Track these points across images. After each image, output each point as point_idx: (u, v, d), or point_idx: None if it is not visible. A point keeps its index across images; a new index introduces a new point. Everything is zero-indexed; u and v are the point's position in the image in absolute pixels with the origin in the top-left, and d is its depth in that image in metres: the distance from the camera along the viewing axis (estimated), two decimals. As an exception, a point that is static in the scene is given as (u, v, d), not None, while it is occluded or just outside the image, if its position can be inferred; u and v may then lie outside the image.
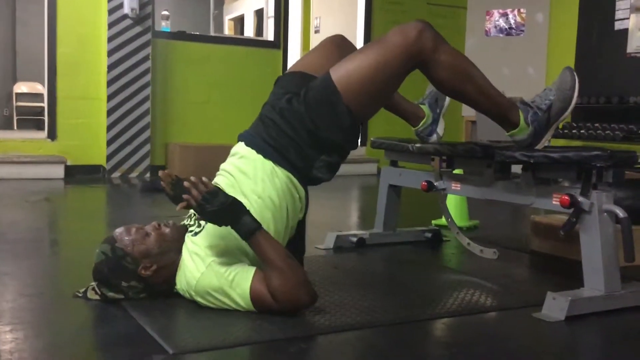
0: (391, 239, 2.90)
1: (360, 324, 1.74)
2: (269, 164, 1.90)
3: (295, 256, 1.83)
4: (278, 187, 1.88)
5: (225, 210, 1.70)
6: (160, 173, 2.04)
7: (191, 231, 1.86)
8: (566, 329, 1.78)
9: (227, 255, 1.79)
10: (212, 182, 1.95)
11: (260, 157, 1.91)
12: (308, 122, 1.89)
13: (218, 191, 1.72)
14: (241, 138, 2.01)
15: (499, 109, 2.02)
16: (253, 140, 1.96)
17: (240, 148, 1.98)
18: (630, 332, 1.83)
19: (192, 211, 1.93)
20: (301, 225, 2.03)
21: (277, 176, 1.89)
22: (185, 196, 1.72)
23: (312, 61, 2.15)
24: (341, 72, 1.89)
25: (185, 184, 1.71)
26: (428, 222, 3.33)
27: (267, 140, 1.93)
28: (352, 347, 1.64)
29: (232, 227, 1.73)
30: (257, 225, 1.73)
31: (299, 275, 1.74)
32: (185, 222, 1.93)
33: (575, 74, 2.03)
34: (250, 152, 1.93)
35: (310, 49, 7.84)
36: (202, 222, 1.84)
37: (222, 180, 1.93)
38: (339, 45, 2.17)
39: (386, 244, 2.86)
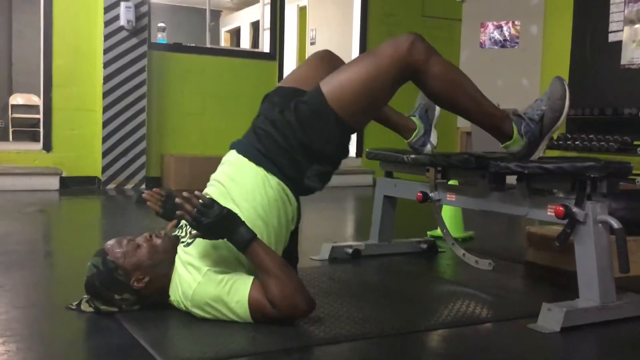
0: (386, 250, 2.90)
1: (355, 335, 1.73)
2: (261, 171, 1.89)
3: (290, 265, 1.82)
4: (270, 196, 1.87)
5: (221, 222, 1.69)
6: (144, 194, 2.03)
7: (183, 242, 1.85)
8: (561, 340, 1.78)
9: (222, 264, 1.78)
10: (203, 192, 1.95)
11: (252, 165, 1.90)
12: (300, 134, 1.88)
13: (213, 202, 1.71)
14: (233, 146, 2.01)
15: (492, 121, 2.02)
16: (245, 148, 1.95)
17: (231, 156, 1.98)
18: (625, 343, 1.83)
19: (183, 221, 1.92)
20: (294, 235, 2.02)
21: (269, 185, 1.88)
22: (178, 212, 1.71)
23: (302, 75, 2.16)
24: (332, 84, 1.89)
25: (178, 200, 1.70)
26: (423, 233, 3.33)
27: (259, 149, 1.92)
28: (346, 359, 1.63)
29: (228, 239, 1.73)
30: (253, 236, 1.73)
31: (296, 282, 1.74)
32: (177, 232, 1.93)
33: (565, 83, 2.04)
34: (242, 160, 1.93)
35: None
36: (194, 232, 1.84)
37: (213, 190, 1.92)
38: (328, 60, 2.18)
39: (381, 255, 2.86)
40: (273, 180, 1.89)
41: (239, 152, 1.96)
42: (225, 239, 1.73)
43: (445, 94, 1.96)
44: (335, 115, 1.87)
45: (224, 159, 2.01)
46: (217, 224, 1.69)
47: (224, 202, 1.80)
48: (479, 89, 2.01)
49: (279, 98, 2.05)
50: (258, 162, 1.90)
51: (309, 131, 1.88)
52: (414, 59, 1.87)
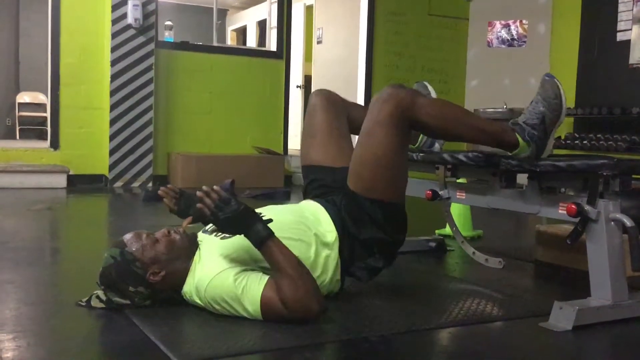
0: (395, 249, 2.88)
1: (365, 333, 1.72)
2: (332, 227, 1.95)
3: None
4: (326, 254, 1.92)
5: (238, 217, 1.71)
6: (160, 191, 2.04)
7: (218, 235, 1.87)
8: (573, 338, 1.77)
9: (247, 265, 1.79)
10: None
11: (332, 225, 1.95)
12: (351, 227, 1.95)
13: (230, 199, 1.73)
14: (317, 200, 2.07)
15: (495, 137, 2.03)
16: (327, 206, 2.01)
17: (313, 203, 2.06)
18: (638, 341, 1.82)
19: None
20: None
21: (332, 246, 1.93)
22: (199, 205, 1.73)
23: (326, 149, 2.18)
24: (358, 181, 1.95)
25: (199, 193, 1.73)
26: (431, 232, 3.32)
27: (337, 214, 1.98)
28: (357, 356, 1.63)
29: (244, 235, 1.74)
30: (269, 233, 1.73)
31: (310, 283, 1.74)
32: (209, 226, 1.95)
33: (556, 80, 2.02)
34: (323, 211, 1.99)
35: (313, 60, 7.86)
36: (213, 226, 1.85)
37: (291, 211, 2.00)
38: (333, 112, 2.20)
39: (390, 254, 2.84)
40: (335, 241, 1.94)
41: (323, 205, 2.02)
42: (242, 235, 1.74)
43: (443, 129, 1.99)
44: (372, 202, 1.92)
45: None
46: (234, 219, 1.71)
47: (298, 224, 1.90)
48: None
49: (327, 187, 2.12)
50: (332, 218, 1.97)
51: (357, 222, 1.95)
52: (403, 109, 1.88)
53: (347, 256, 1.96)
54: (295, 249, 1.81)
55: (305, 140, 2.24)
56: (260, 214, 1.83)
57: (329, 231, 1.95)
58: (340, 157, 2.14)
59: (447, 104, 2.01)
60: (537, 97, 2.03)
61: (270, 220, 1.80)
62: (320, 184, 2.16)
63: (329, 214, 1.99)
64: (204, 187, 1.75)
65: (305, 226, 1.93)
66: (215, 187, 1.76)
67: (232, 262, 1.78)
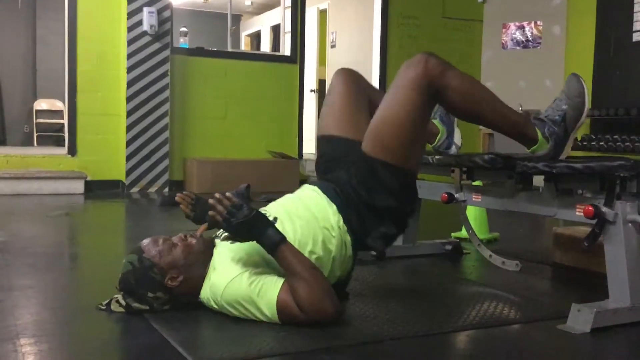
0: (411, 252, 2.89)
1: (383, 336, 1.73)
2: (334, 209, 1.92)
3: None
4: (335, 236, 1.90)
5: (250, 222, 1.72)
6: (177, 197, 2.06)
7: (229, 239, 1.87)
8: (592, 341, 1.76)
9: (261, 267, 1.81)
10: (272, 207, 1.99)
11: (334, 207, 1.92)
12: (363, 195, 1.92)
13: (242, 205, 1.74)
14: (314, 184, 2.04)
15: (516, 127, 2.02)
16: (326, 187, 1.98)
17: (312, 188, 2.02)
18: (657, 344, 1.80)
19: None
20: (343, 286, 2.05)
21: (337, 221, 1.91)
22: (211, 212, 1.74)
23: (341, 118, 2.14)
24: (372, 141, 1.91)
25: (210, 201, 1.74)
26: (447, 235, 3.31)
27: (338, 193, 1.96)
28: (375, 360, 1.63)
29: (257, 241, 1.74)
30: (282, 237, 1.74)
31: (325, 286, 1.74)
32: (219, 232, 1.95)
33: (581, 79, 2.03)
34: (322, 197, 1.96)
35: (326, 64, 7.87)
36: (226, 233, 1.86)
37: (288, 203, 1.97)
38: (355, 87, 2.18)
39: (406, 257, 2.85)
40: (343, 226, 1.92)
41: (320, 188, 1.99)
42: (254, 241, 1.75)
43: (466, 107, 1.95)
44: (387, 167, 1.89)
45: (304, 186, 2.07)
46: (246, 224, 1.71)
47: (288, 221, 1.87)
48: (501, 90, 2.01)
49: (335, 156, 2.08)
50: (333, 200, 1.94)
51: (368, 191, 1.92)
52: (431, 77, 1.86)
53: (358, 228, 1.93)
54: (305, 240, 1.83)
55: (323, 110, 2.22)
56: (266, 212, 1.82)
57: (332, 214, 1.92)
58: (355, 129, 2.07)
59: (477, 83, 1.98)
60: (562, 95, 2.04)
61: (275, 220, 1.81)
62: (330, 157, 2.12)
63: (327, 195, 1.95)
64: (216, 194, 1.75)
65: (312, 216, 1.91)
66: (227, 193, 1.77)
67: (246, 265, 1.79)
